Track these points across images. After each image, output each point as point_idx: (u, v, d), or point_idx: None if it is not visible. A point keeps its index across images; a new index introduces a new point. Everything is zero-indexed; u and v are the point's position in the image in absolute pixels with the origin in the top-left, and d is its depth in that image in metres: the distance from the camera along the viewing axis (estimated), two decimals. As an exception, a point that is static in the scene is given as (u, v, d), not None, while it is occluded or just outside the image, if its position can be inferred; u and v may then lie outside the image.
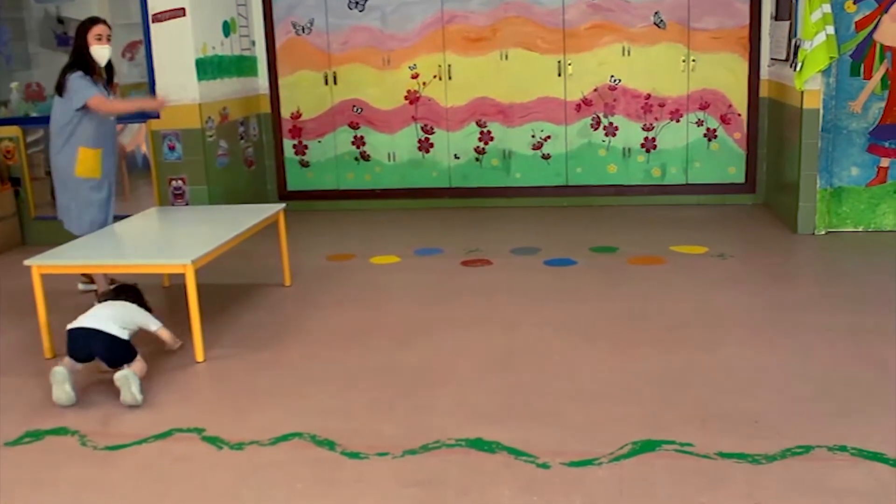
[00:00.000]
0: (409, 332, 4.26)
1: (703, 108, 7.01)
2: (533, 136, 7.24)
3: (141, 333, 3.83)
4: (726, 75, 6.92)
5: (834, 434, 2.98)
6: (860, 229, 5.94)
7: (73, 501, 2.79)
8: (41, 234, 6.48)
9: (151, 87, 6.32)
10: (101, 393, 3.63)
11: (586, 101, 7.12)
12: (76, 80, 4.70)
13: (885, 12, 5.65)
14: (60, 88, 4.75)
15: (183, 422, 3.33)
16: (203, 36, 6.42)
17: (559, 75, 7.09)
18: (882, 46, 5.71)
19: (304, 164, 7.60)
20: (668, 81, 7.00)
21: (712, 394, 3.37)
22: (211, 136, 6.50)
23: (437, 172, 7.42)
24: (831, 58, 5.51)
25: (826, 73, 5.69)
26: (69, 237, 4.73)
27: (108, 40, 4.84)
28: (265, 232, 5.03)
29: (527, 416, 3.24)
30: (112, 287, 4.10)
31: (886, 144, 5.82)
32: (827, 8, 5.47)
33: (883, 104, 5.76)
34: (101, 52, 4.80)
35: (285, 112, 7.54)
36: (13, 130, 6.55)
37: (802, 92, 5.73)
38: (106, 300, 3.90)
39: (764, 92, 6.85)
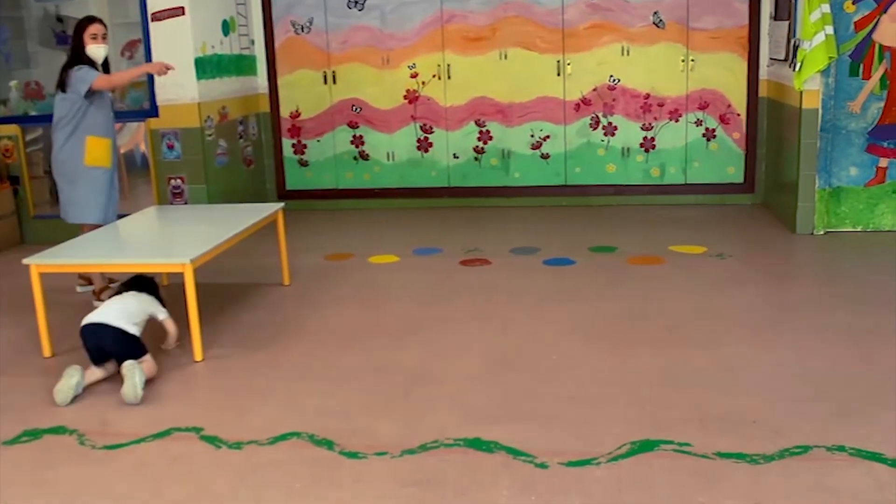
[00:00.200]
0: (408, 332, 4.26)
1: (702, 107, 7.01)
2: (532, 136, 7.24)
3: (146, 331, 3.86)
4: (725, 75, 6.93)
5: (832, 434, 2.98)
6: (859, 229, 5.94)
7: (72, 500, 2.78)
8: (40, 232, 6.48)
9: (151, 86, 6.32)
10: (100, 393, 3.62)
11: (585, 101, 7.12)
12: (78, 71, 4.79)
13: (884, 12, 5.65)
14: (63, 85, 4.83)
15: (181, 421, 3.33)
16: (202, 35, 6.42)
17: (558, 75, 7.09)
18: (881, 46, 5.71)
19: (303, 164, 7.60)
20: (667, 81, 7.00)
21: (711, 393, 3.37)
22: (210, 136, 6.50)
23: (436, 172, 7.42)
24: (830, 58, 5.51)
25: (825, 73, 5.69)
26: (68, 236, 4.73)
27: (104, 39, 4.91)
28: (264, 231, 5.03)
29: (525, 416, 3.24)
30: (131, 277, 4.12)
31: (885, 144, 5.82)
32: (826, 8, 5.47)
33: (882, 104, 5.76)
34: (97, 52, 4.87)
35: (284, 111, 7.54)
36: (12, 129, 6.54)
37: (801, 92, 5.74)
38: (121, 291, 3.97)
39: (763, 92, 6.86)
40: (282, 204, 5.17)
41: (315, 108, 7.48)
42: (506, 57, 7.13)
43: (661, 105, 7.05)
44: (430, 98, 7.30)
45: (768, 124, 6.81)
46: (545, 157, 7.26)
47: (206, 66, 6.45)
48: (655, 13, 6.90)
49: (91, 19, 4.89)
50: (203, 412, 3.42)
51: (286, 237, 5.19)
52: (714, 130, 7.03)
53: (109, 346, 3.66)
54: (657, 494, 2.65)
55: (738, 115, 6.98)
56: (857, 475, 2.71)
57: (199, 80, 6.33)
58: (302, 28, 7.36)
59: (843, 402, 3.25)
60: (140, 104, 6.51)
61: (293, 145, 7.59)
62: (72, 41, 4.89)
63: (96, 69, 4.88)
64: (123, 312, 3.75)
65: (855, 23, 5.70)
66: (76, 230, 5.08)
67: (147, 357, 3.71)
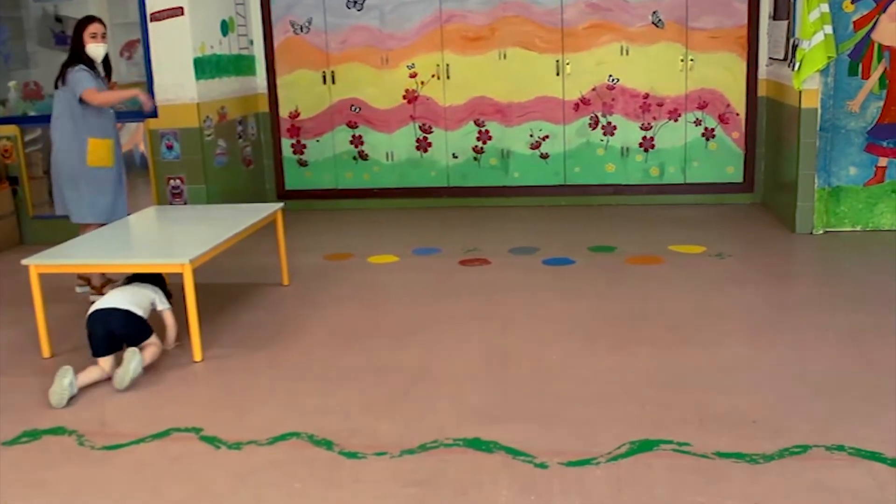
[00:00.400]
0: (408, 332, 4.25)
1: (702, 107, 7.01)
2: (531, 136, 7.24)
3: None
4: (724, 75, 6.93)
5: (832, 433, 2.98)
6: (858, 229, 5.94)
7: (71, 501, 2.78)
8: (39, 233, 6.48)
9: (150, 86, 6.31)
10: (100, 393, 3.62)
11: (584, 101, 7.12)
12: (76, 72, 4.84)
13: (884, 12, 5.65)
14: (63, 80, 4.89)
15: (181, 421, 3.33)
16: (201, 35, 6.42)
17: (557, 75, 7.09)
18: (880, 46, 5.71)
19: (303, 164, 7.60)
20: (666, 81, 7.00)
21: (710, 393, 3.37)
22: (209, 136, 6.49)
23: (436, 172, 7.42)
24: (829, 57, 5.51)
25: (824, 72, 5.69)
26: (67, 236, 4.73)
27: (104, 38, 4.97)
28: (263, 231, 5.03)
29: (525, 416, 3.24)
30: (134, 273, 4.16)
31: (884, 144, 5.82)
32: (825, 7, 5.47)
33: (881, 103, 5.77)
34: (96, 51, 4.93)
35: (283, 111, 7.54)
36: (11, 129, 6.54)
37: (801, 91, 5.74)
38: (125, 283, 4.04)
39: (762, 91, 6.86)
40: (281, 204, 5.17)
41: (314, 108, 7.48)
42: (505, 57, 7.13)
43: (660, 105, 7.05)
44: (430, 98, 7.30)
45: (767, 124, 6.81)
46: (544, 156, 7.26)
47: (205, 67, 6.45)
48: (654, 13, 6.90)
49: (91, 18, 4.96)
50: (202, 412, 3.42)
51: (286, 237, 5.19)
52: (713, 130, 7.03)
53: (119, 329, 3.74)
54: (656, 494, 2.65)
55: (738, 114, 6.98)
56: (857, 475, 2.71)
57: (198, 80, 6.33)
58: (301, 28, 7.36)
59: (842, 401, 3.25)
60: (139, 105, 6.49)
61: (292, 145, 7.59)
62: (71, 40, 4.95)
63: (95, 69, 4.94)
64: (130, 298, 3.86)
65: (854, 22, 5.70)
66: (75, 230, 5.09)
67: (153, 339, 3.83)
